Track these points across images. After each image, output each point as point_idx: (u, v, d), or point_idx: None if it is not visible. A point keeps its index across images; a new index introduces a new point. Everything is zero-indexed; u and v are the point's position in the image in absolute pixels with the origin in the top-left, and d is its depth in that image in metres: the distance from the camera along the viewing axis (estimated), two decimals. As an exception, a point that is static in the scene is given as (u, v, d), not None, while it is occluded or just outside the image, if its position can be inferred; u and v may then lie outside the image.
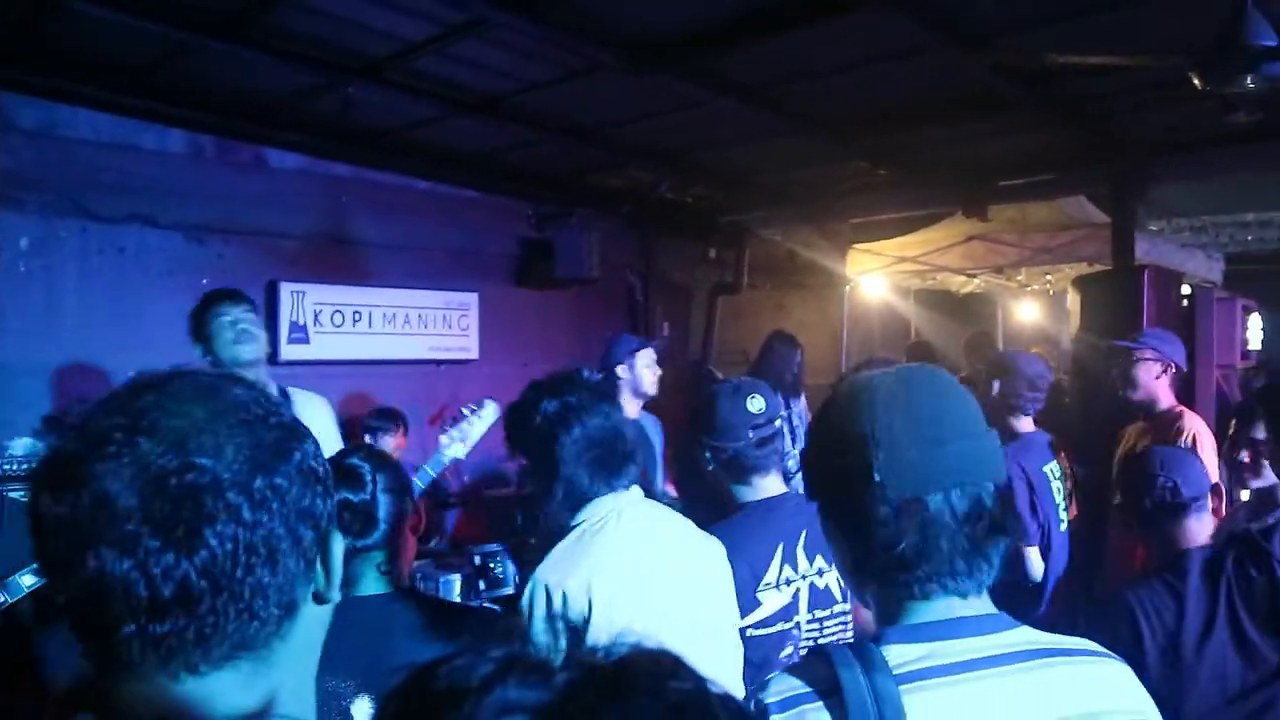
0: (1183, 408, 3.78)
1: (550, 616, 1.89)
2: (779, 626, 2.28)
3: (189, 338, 3.31)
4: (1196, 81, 3.22)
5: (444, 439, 3.38)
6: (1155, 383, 3.75)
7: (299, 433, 0.81)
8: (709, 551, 2.14)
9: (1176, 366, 3.78)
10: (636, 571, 1.95)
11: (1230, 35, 2.96)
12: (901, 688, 1.00)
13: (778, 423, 2.48)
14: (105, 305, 5.01)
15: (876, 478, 1.08)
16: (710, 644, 2.00)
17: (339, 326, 5.97)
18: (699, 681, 0.53)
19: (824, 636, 2.31)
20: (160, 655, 0.72)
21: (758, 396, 2.45)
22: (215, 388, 0.79)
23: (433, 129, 5.51)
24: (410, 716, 0.53)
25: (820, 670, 1.04)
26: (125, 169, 5.08)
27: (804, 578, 2.31)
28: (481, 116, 5.16)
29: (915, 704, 0.99)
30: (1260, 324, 6.87)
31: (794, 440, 4.70)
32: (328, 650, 1.68)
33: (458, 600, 4.15)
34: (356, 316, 6.07)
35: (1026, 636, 1.11)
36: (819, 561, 2.33)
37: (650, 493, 4.05)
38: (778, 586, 2.30)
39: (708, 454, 2.45)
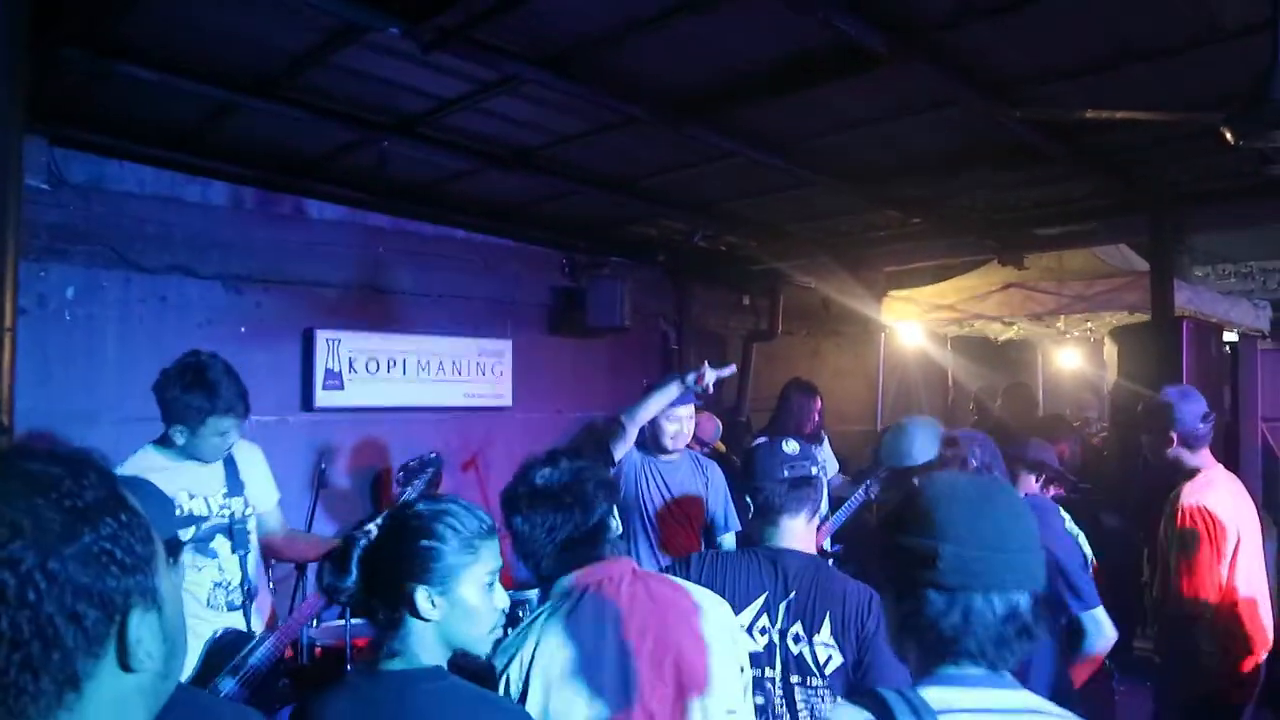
0: (1201, 469, 3.56)
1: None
2: None
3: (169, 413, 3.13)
4: (1229, 137, 3.18)
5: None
6: (1166, 453, 3.54)
7: (96, 514, 0.84)
8: (707, 619, 2.05)
9: (1179, 432, 3.50)
10: (577, 662, 1.90)
11: (1261, 90, 2.93)
12: (940, 716, 1.27)
13: (814, 470, 2.48)
14: (146, 354, 5.12)
15: (940, 565, 1.32)
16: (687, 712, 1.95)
17: (374, 373, 6.04)
18: None
19: (792, 703, 2.24)
20: None
21: (793, 443, 2.53)
22: (14, 472, 0.83)
23: (468, 181, 5.60)
24: None
25: (875, 704, 1.30)
26: (168, 221, 5.22)
27: (781, 634, 2.27)
28: (515, 169, 5.24)
29: None
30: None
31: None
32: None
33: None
34: (391, 364, 6.14)
35: (1030, 700, 1.35)
36: (797, 627, 2.28)
37: (710, 539, 4.04)
38: (749, 630, 2.29)
39: (747, 499, 2.50)
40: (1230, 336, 6.49)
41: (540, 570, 2.04)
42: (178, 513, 3.06)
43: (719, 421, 6.39)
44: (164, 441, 3.21)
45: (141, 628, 0.85)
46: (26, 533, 0.79)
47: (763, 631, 2.31)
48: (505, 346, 6.76)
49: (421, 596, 1.70)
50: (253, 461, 3.47)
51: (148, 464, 3.12)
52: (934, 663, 1.36)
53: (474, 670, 1.85)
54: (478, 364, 6.61)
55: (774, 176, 5.32)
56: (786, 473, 2.42)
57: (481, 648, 1.78)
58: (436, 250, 6.46)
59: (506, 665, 1.92)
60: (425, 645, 1.74)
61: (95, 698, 0.82)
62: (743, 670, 2.08)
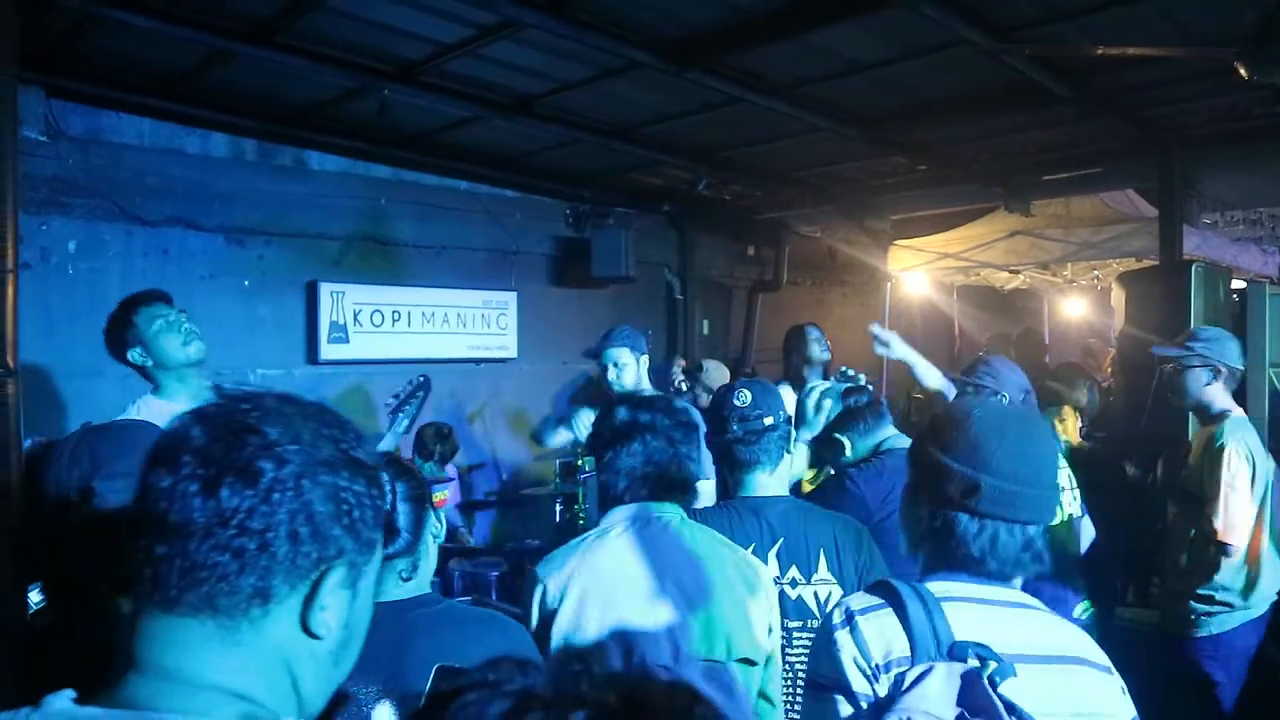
0: (1230, 411, 3.61)
1: (541, 611, 1.96)
2: None
3: (114, 346, 3.13)
4: (1242, 72, 3.13)
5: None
6: (1205, 389, 3.56)
7: (356, 468, 0.89)
8: (740, 574, 2.07)
9: (1228, 369, 3.58)
10: (619, 581, 1.95)
11: (1275, 24, 2.87)
12: (942, 603, 1.42)
13: (768, 420, 2.39)
14: (150, 307, 5.10)
15: (980, 495, 1.44)
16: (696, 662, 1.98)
17: (378, 326, 6.04)
18: (718, 714, 0.54)
19: (791, 649, 2.23)
20: (151, 581, 0.82)
21: (746, 392, 2.44)
22: (319, 406, 0.92)
23: (469, 130, 5.54)
24: None
25: (888, 592, 1.46)
26: (169, 173, 5.19)
27: (775, 582, 2.24)
28: (517, 117, 5.18)
29: (950, 613, 1.41)
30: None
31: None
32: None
33: (492, 600, 4.18)
34: (396, 316, 6.13)
35: (1021, 596, 1.51)
36: (793, 572, 2.28)
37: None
38: None
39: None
40: (1238, 283, 6.44)
41: (606, 494, 2.11)
42: None
43: (729, 372, 6.37)
44: (157, 390, 3.21)
45: (333, 595, 0.88)
46: (303, 443, 0.85)
47: None
48: (510, 298, 6.74)
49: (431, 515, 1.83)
50: None
51: (150, 409, 3.14)
52: (946, 566, 1.50)
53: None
54: (482, 316, 6.60)
55: (778, 122, 5.25)
56: (736, 427, 2.38)
57: None
58: (439, 201, 6.42)
59: (547, 574, 1.99)
60: (431, 563, 1.80)
61: (274, 631, 0.85)
62: (770, 631, 2.10)
